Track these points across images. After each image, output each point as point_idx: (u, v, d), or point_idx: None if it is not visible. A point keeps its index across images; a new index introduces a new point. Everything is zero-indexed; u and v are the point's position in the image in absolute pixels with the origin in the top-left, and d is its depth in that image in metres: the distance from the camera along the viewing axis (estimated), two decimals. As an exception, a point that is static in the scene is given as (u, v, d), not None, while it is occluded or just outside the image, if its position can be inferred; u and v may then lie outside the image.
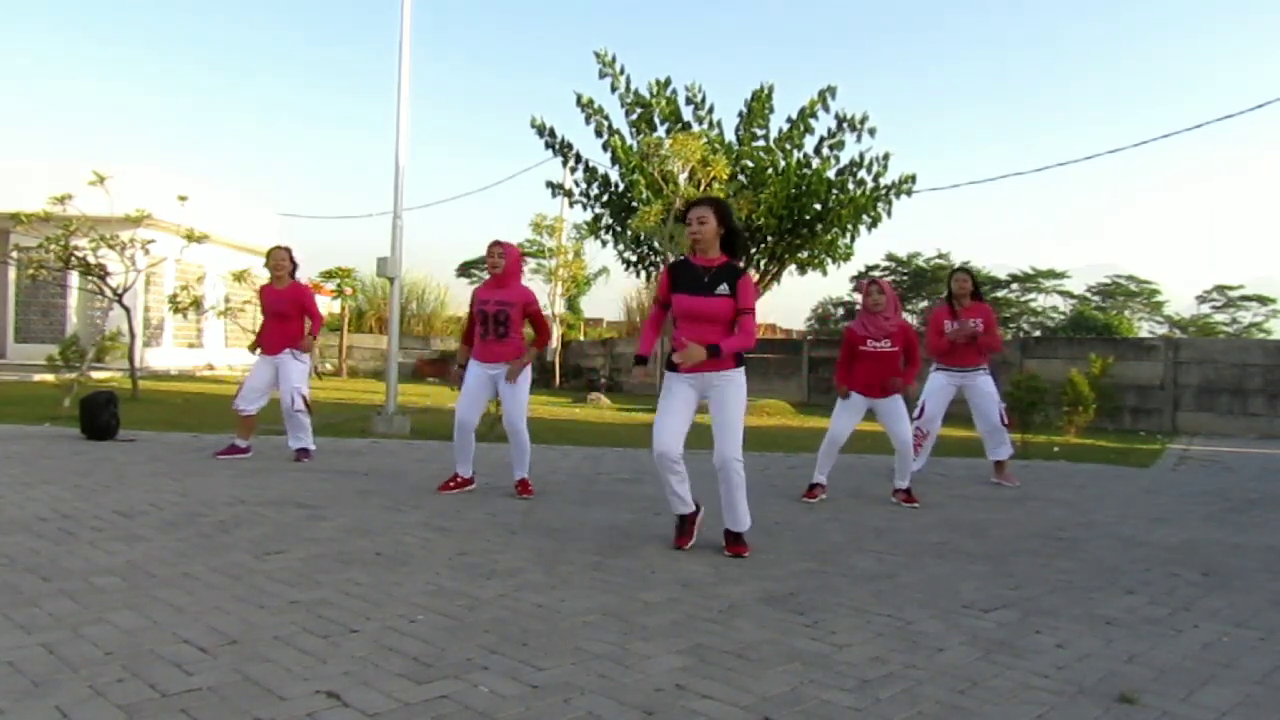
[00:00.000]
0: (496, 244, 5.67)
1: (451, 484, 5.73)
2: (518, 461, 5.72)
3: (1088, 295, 39.10)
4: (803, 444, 9.53)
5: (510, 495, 5.66)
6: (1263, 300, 35.28)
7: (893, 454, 5.98)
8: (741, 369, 4.25)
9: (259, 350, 6.99)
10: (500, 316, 5.56)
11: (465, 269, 43.44)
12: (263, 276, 7.64)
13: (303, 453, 6.93)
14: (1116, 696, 2.55)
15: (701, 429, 4.36)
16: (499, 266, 5.60)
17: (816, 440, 9.74)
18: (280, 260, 7.00)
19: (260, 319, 7.28)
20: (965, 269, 7.23)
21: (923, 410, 6.92)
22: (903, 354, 5.83)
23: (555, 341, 23.54)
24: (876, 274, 36.75)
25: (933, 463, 8.19)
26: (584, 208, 16.53)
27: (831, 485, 6.55)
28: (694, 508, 4.37)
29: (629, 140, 15.46)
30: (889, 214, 15.58)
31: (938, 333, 6.89)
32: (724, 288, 4.14)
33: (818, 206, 15.35)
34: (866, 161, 15.29)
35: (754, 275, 16.06)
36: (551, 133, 16.17)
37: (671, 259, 14.22)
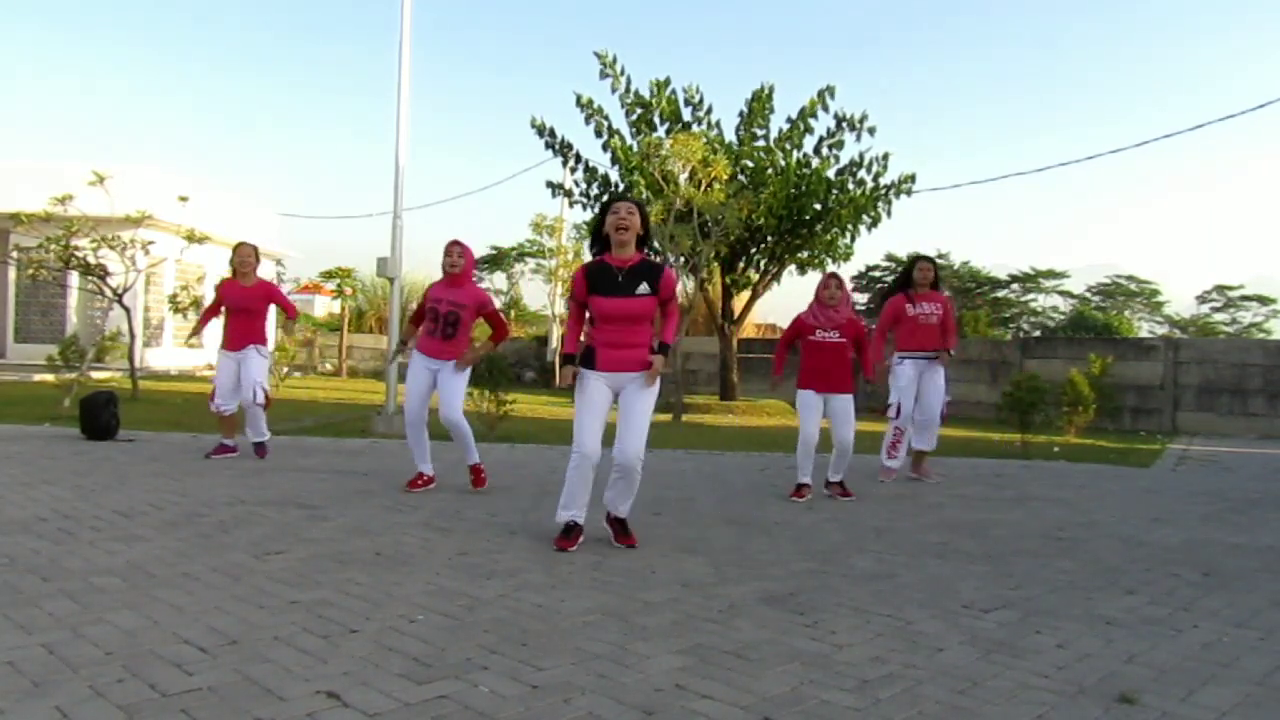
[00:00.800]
0: (456, 244, 5.72)
1: (420, 482, 5.76)
2: (466, 450, 5.75)
3: (1088, 295, 39.08)
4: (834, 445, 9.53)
5: (508, 494, 5.66)
6: (1263, 300, 35.27)
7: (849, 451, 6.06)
8: (647, 374, 4.27)
9: (220, 349, 7.02)
10: (451, 317, 5.61)
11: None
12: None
13: (260, 448, 6.95)
14: (1116, 696, 2.55)
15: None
16: (457, 266, 5.65)
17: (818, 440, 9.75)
18: (246, 256, 7.03)
19: (202, 315, 7.43)
20: (929, 258, 7.21)
21: (898, 410, 6.91)
22: (853, 346, 5.98)
23: (555, 342, 23.54)
24: (876, 274, 36.74)
25: (933, 462, 8.19)
26: (584, 208, 16.53)
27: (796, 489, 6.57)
28: (583, 520, 4.33)
29: (629, 140, 15.46)
30: (889, 214, 15.59)
31: (890, 311, 7.00)
32: (644, 287, 4.18)
33: (817, 206, 15.35)
34: (866, 161, 15.29)
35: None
36: (551, 133, 16.16)
37: (671, 259, 14.25)
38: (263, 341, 7.04)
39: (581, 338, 4.40)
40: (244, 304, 6.94)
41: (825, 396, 5.95)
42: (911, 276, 7.05)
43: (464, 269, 5.66)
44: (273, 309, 7.22)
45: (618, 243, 4.21)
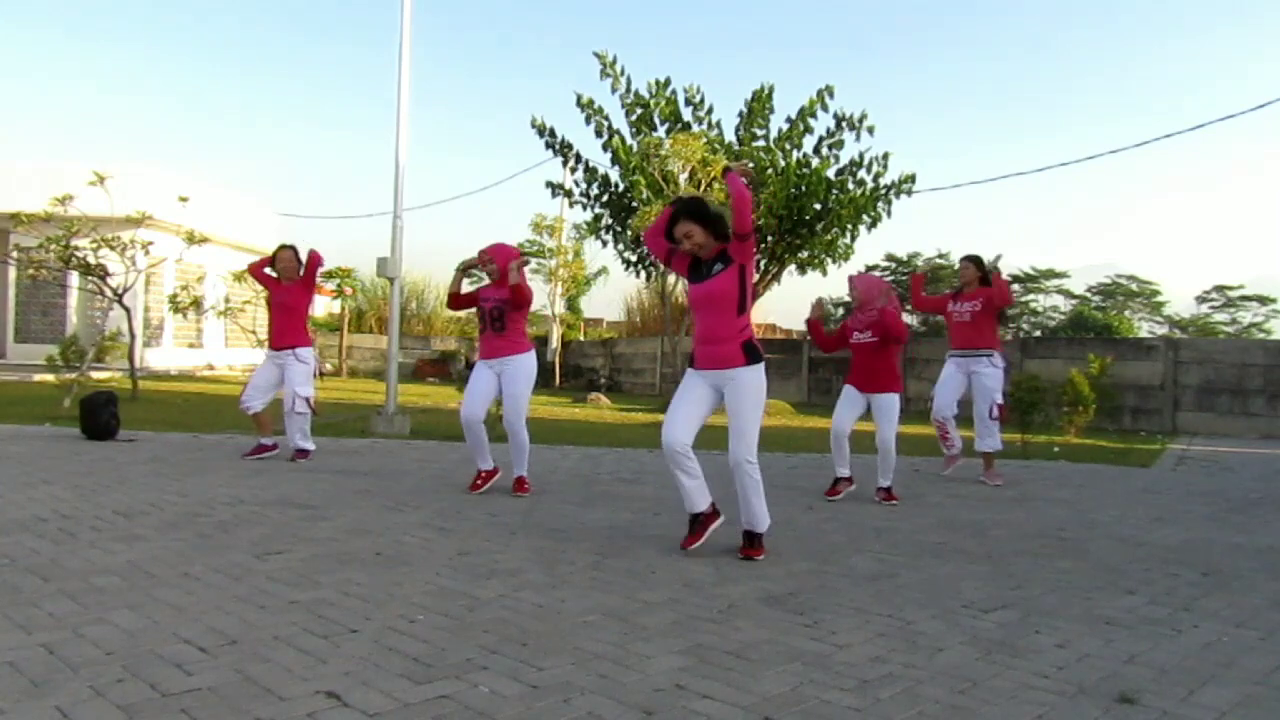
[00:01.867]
0: (482, 253, 5.76)
1: (479, 480, 5.77)
2: (516, 460, 5.75)
3: (1088, 295, 39.10)
4: (803, 444, 9.53)
5: (509, 494, 5.66)
6: (1263, 300, 35.29)
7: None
8: (760, 365, 4.17)
9: (265, 346, 7.08)
10: (495, 312, 5.65)
11: (465, 269, 43.45)
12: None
13: (301, 453, 6.95)
14: (1116, 696, 2.55)
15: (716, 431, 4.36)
16: (494, 274, 5.70)
17: (816, 440, 9.76)
18: (287, 263, 7.07)
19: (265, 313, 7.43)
20: (971, 257, 7.20)
21: (933, 401, 7.02)
22: (889, 343, 5.91)
23: (555, 342, 23.55)
24: (876, 274, 36.76)
25: (933, 462, 8.20)
26: (584, 208, 16.52)
27: (829, 485, 6.56)
28: (707, 508, 4.30)
29: (629, 140, 15.46)
30: (889, 214, 15.58)
31: (930, 300, 7.23)
32: (718, 265, 4.15)
33: (817, 206, 15.35)
34: (866, 161, 15.29)
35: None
36: (552, 133, 16.16)
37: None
38: (304, 343, 7.01)
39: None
40: (284, 299, 7.00)
41: (868, 396, 5.99)
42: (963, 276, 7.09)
43: (502, 270, 5.64)
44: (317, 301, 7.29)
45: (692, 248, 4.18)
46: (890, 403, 5.92)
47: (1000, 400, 6.97)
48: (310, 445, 7.02)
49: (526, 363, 5.71)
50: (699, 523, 4.29)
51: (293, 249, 7.17)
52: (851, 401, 6.01)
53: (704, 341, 4.19)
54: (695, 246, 4.13)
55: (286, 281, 7.03)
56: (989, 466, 7.07)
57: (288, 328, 6.98)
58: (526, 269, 6.41)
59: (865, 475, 6.41)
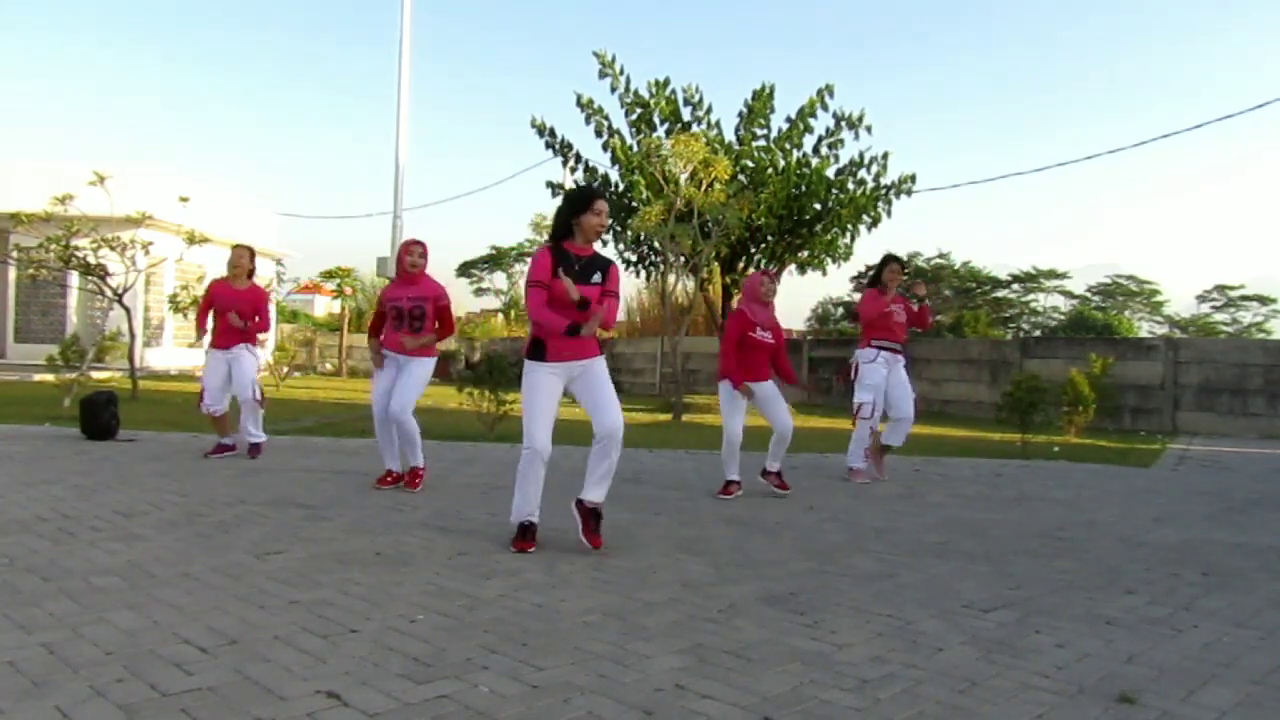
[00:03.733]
0: (418, 242, 5.82)
1: (388, 479, 5.78)
2: (411, 450, 5.73)
3: (1088, 295, 39.11)
4: (803, 444, 9.53)
5: (509, 494, 5.65)
6: (1263, 300, 35.30)
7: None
8: (603, 356, 4.33)
9: (208, 347, 7.01)
10: (416, 311, 5.68)
11: (465, 269, 43.43)
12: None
13: (255, 448, 6.95)
14: (1116, 696, 2.55)
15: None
16: (419, 266, 5.73)
17: (817, 440, 9.77)
18: (240, 259, 7.03)
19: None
20: (898, 258, 7.22)
21: (872, 409, 6.82)
22: (775, 348, 5.98)
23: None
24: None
25: (933, 462, 8.20)
26: (584, 208, 16.52)
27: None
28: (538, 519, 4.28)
29: (629, 141, 15.46)
30: (889, 214, 15.59)
31: (873, 301, 6.95)
32: (597, 276, 4.22)
33: (818, 206, 15.35)
34: (866, 161, 15.29)
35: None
36: (551, 133, 16.16)
37: (671, 259, 14.25)
38: (253, 341, 7.04)
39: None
40: (235, 307, 6.91)
41: (754, 386, 5.92)
42: (882, 276, 7.05)
43: (424, 267, 5.77)
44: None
45: (592, 239, 4.26)
46: (774, 386, 5.98)
47: (915, 394, 7.10)
48: (263, 438, 7.02)
49: (430, 364, 5.81)
50: (535, 529, 4.26)
51: (248, 249, 7.17)
52: (741, 402, 5.89)
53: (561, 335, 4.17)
54: (603, 227, 4.23)
55: (238, 285, 6.98)
56: (881, 458, 7.06)
57: (236, 330, 6.92)
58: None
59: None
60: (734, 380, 5.85)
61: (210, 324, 7.06)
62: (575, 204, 4.22)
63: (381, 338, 5.85)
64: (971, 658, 2.86)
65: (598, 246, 4.36)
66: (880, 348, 6.89)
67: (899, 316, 6.98)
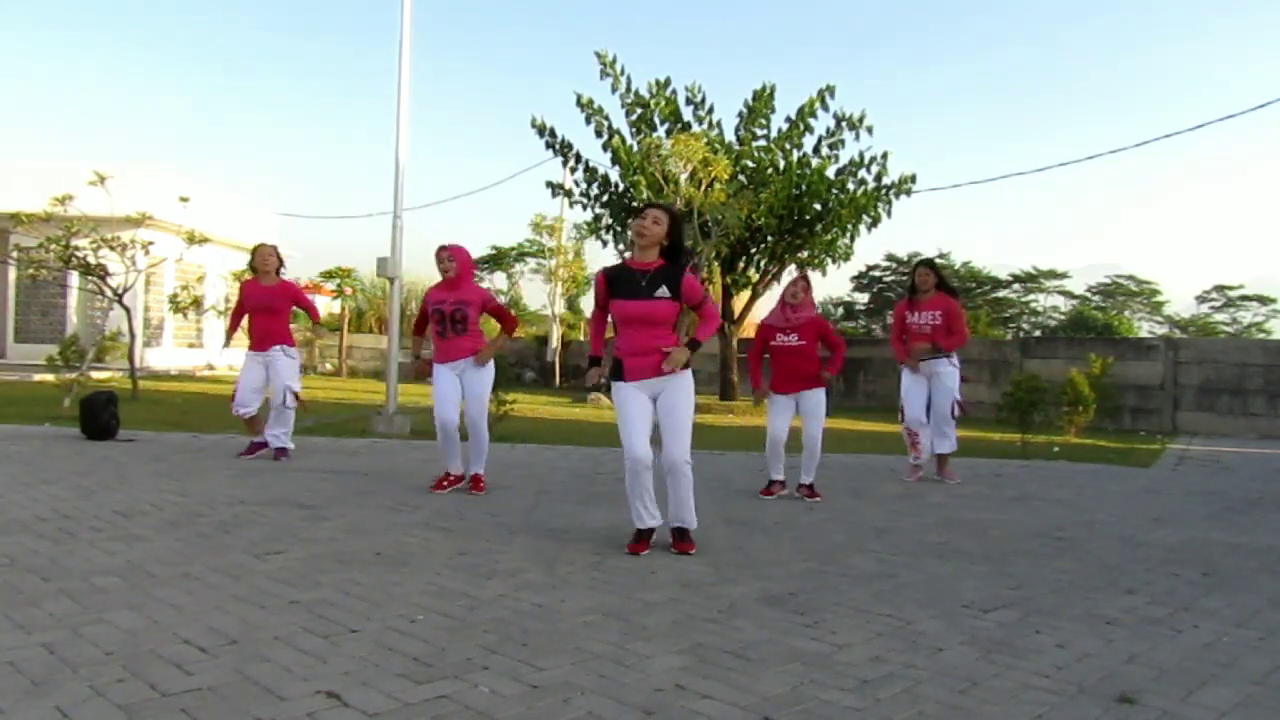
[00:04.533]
0: (444, 248, 5.81)
1: (445, 482, 5.77)
2: (477, 455, 5.77)
3: (1088, 295, 39.09)
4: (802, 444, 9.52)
5: (509, 494, 5.66)
6: (1263, 300, 35.27)
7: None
8: (689, 371, 4.30)
9: (247, 348, 7.00)
10: (458, 314, 5.68)
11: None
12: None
13: (282, 452, 6.93)
14: (1116, 696, 2.55)
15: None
16: (450, 271, 5.73)
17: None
18: (267, 257, 7.05)
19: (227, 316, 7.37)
20: (928, 262, 7.26)
21: (903, 414, 7.00)
22: (816, 345, 6.02)
23: (555, 342, 23.54)
24: (876, 274, 36.72)
25: (933, 462, 8.19)
26: (584, 208, 16.54)
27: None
28: (660, 520, 4.31)
29: (629, 140, 15.46)
30: (889, 214, 15.59)
31: (897, 331, 7.10)
32: (664, 290, 4.16)
33: (818, 206, 15.35)
34: (866, 161, 15.29)
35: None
36: (552, 133, 16.17)
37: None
38: (289, 341, 7.05)
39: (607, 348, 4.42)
40: (267, 303, 6.94)
41: (795, 396, 6.03)
42: (914, 283, 7.09)
43: (459, 271, 5.72)
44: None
45: (639, 247, 4.23)
46: (818, 398, 6.09)
47: (960, 398, 7.06)
48: (291, 445, 7.03)
49: (492, 370, 5.85)
50: (651, 534, 4.30)
51: (273, 247, 7.19)
52: (785, 407, 6.06)
53: (635, 354, 4.21)
54: (648, 233, 4.16)
55: (267, 282, 7.01)
56: (945, 466, 7.10)
57: (272, 329, 6.97)
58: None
59: (862, 477, 6.41)
60: (754, 384, 6.12)
61: (245, 326, 7.08)
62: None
63: (427, 350, 5.86)
64: (971, 658, 2.86)
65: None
66: (907, 363, 6.99)
67: (921, 328, 6.93)
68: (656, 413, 4.26)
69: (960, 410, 7.02)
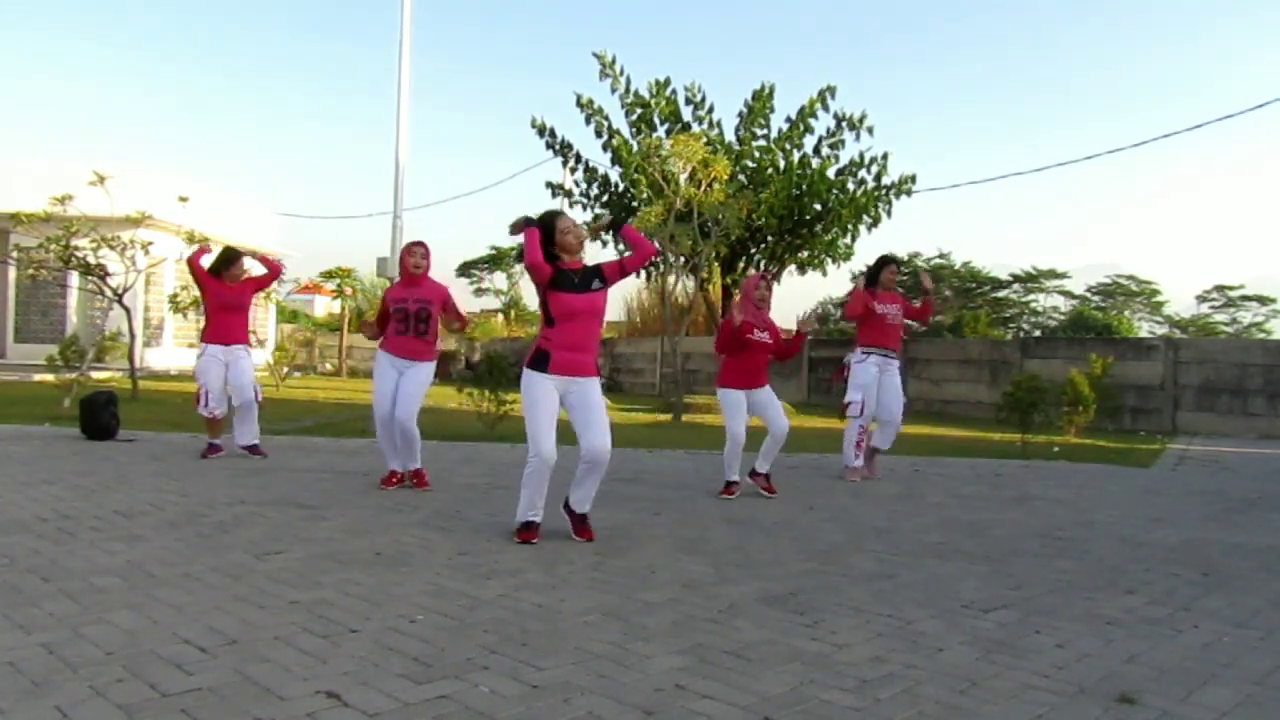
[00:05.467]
0: (421, 244, 5.87)
1: (393, 480, 5.80)
2: (411, 454, 5.78)
3: (1088, 295, 39.07)
4: (803, 444, 9.53)
5: (509, 494, 5.65)
6: (1263, 300, 35.26)
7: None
8: (599, 379, 4.49)
9: (204, 346, 6.95)
10: (422, 314, 5.73)
11: (465, 269, 43.42)
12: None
13: (254, 449, 6.94)
14: (1116, 696, 2.55)
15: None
16: (420, 267, 5.78)
17: (815, 440, 9.76)
18: (241, 269, 7.05)
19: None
20: (895, 259, 7.35)
21: (861, 408, 6.87)
22: (774, 343, 6.05)
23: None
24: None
25: (933, 462, 8.20)
26: (584, 208, 16.54)
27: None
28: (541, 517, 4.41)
29: (629, 140, 15.46)
30: (889, 214, 15.59)
31: (856, 299, 7.02)
32: (596, 283, 4.37)
33: (818, 206, 15.35)
34: (866, 161, 15.29)
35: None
36: (552, 133, 16.17)
37: (671, 259, 14.22)
38: (248, 340, 7.11)
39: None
40: (234, 300, 6.95)
41: (748, 392, 5.99)
42: (879, 277, 7.08)
43: (427, 268, 5.82)
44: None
45: (571, 250, 4.37)
46: (771, 392, 6.06)
47: (904, 399, 7.13)
48: (259, 440, 7.03)
49: (431, 369, 5.90)
50: (538, 526, 4.39)
51: (242, 255, 7.16)
52: (743, 405, 5.99)
53: (568, 349, 4.30)
54: (577, 242, 4.36)
55: (232, 283, 6.99)
56: (873, 460, 7.10)
57: (237, 326, 6.98)
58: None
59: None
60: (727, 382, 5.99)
61: (205, 321, 7.09)
62: (550, 227, 4.38)
63: (381, 341, 5.86)
64: (971, 658, 2.86)
65: (605, 250, 4.50)
66: (871, 351, 6.94)
67: (894, 319, 6.98)
68: (572, 410, 4.37)
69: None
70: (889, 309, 6.97)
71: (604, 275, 4.41)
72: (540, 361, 4.31)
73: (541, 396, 4.29)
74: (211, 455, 6.86)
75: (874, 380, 6.90)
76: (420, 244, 5.86)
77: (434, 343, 5.88)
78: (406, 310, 5.71)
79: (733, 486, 5.99)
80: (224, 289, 6.95)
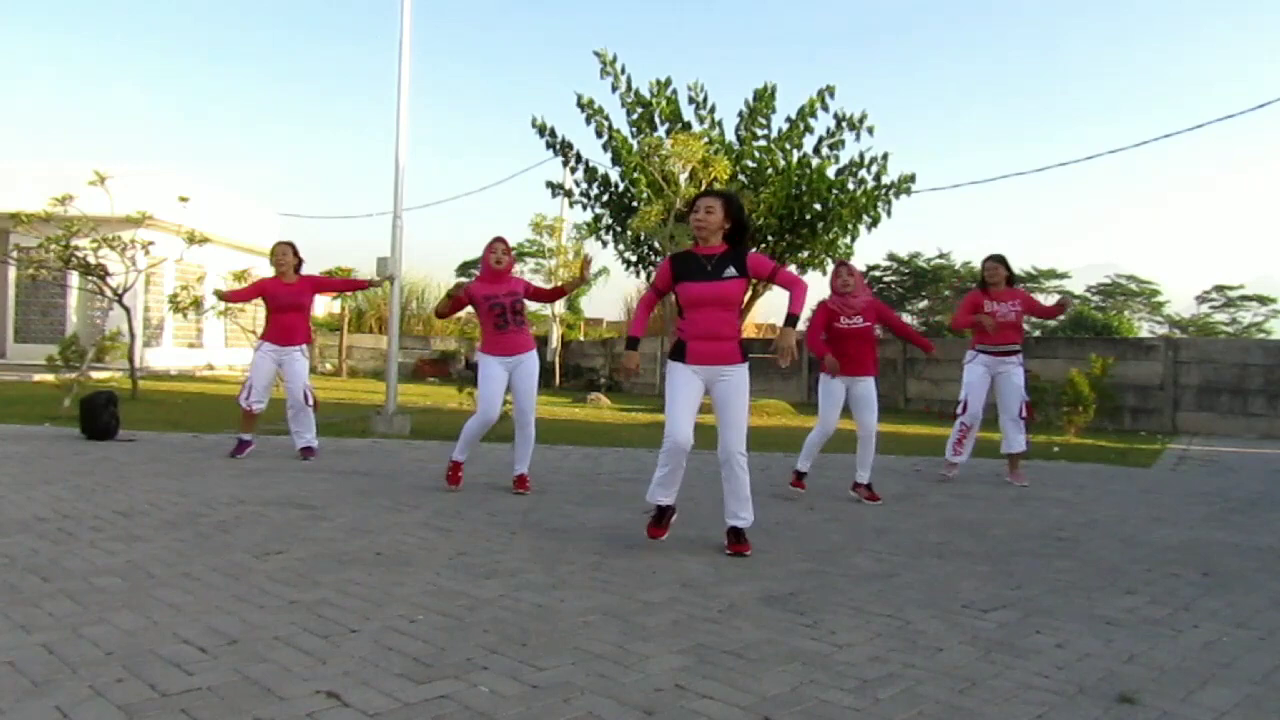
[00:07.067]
0: (502, 240, 5.81)
1: (461, 474, 5.81)
2: (523, 455, 5.78)
3: (1088, 295, 39.06)
4: (802, 444, 9.53)
5: (509, 494, 5.65)
6: (1263, 300, 35.24)
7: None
8: (746, 364, 4.30)
9: (261, 344, 6.99)
10: (517, 306, 5.71)
11: (465, 269, 43.43)
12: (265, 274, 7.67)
13: (308, 450, 6.95)
14: (1116, 696, 2.55)
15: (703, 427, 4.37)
16: (503, 263, 5.74)
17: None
18: (283, 255, 7.03)
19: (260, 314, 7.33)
20: (996, 256, 7.12)
21: (965, 406, 6.93)
22: (878, 325, 6.01)
23: (555, 342, 23.56)
24: (877, 274, 36.72)
25: (933, 462, 8.20)
26: (584, 208, 16.53)
27: (831, 485, 6.56)
28: (674, 502, 4.41)
29: (630, 140, 15.46)
30: (889, 214, 15.58)
31: (967, 310, 6.95)
32: (731, 270, 4.18)
33: (818, 206, 15.34)
34: (866, 161, 15.28)
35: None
36: (552, 132, 16.16)
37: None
38: (309, 340, 7.10)
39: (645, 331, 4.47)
40: (293, 301, 6.96)
41: (848, 382, 5.94)
42: (984, 278, 7.03)
43: (508, 264, 5.77)
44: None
45: (700, 239, 4.28)
46: (871, 388, 5.99)
47: (1027, 398, 7.04)
48: (316, 443, 7.06)
49: (536, 357, 5.88)
50: (669, 514, 4.42)
51: (289, 244, 7.16)
52: (840, 396, 5.97)
53: (702, 338, 4.22)
54: (705, 224, 4.20)
55: (288, 279, 7.01)
56: (1016, 467, 7.06)
57: (298, 326, 7.00)
58: (526, 269, 6.49)
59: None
60: (820, 354, 5.90)
61: (261, 319, 7.12)
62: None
63: (481, 345, 5.85)
64: (971, 658, 2.86)
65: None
66: (981, 350, 6.94)
67: (1003, 316, 6.82)
68: (714, 403, 4.27)
69: (1028, 412, 7.01)
70: (998, 306, 6.83)
71: (745, 265, 4.20)
72: (679, 352, 4.27)
73: (680, 384, 4.23)
74: (241, 453, 6.87)
75: (979, 380, 6.90)
76: (501, 240, 5.79)
77: (529, 333, 5.86)
78: (503, 305, 5.65)
79: (802, 478, 6.10)
80: (279, 289, 6.97)
